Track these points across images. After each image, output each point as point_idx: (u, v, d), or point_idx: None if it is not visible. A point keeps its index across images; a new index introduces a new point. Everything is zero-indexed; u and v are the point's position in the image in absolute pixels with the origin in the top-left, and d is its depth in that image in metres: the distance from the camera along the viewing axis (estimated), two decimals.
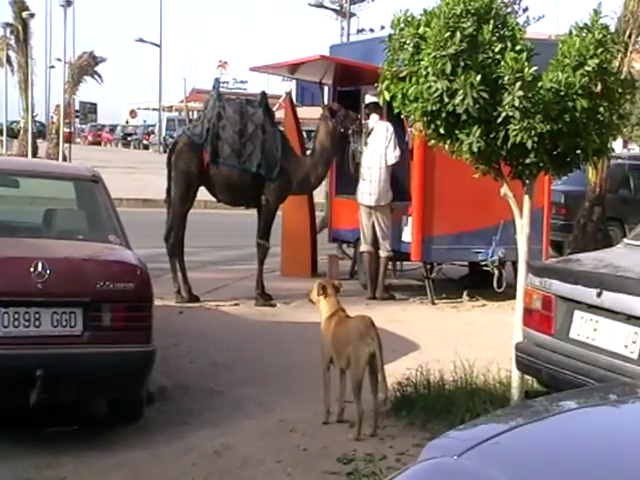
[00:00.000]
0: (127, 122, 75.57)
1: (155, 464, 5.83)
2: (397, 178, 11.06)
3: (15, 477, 5.61)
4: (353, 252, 12.21)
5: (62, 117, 38.13)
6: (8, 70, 48.87)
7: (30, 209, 8.98)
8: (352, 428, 6.16)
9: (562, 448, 1.92)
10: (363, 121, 11.07)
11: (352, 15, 40.11)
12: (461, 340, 8.92)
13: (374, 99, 9.98)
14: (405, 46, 6.45)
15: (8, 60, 47.76)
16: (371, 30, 34.32)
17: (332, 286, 6.50)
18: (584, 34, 6.41)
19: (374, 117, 10.98)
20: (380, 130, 10.91)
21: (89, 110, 63.81)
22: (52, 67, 49.68)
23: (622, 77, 6.90)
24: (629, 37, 11.46)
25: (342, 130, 10.72)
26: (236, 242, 14.75)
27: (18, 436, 6.44)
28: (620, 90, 6.49)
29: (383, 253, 11.06)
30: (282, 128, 11.77)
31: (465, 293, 11.47)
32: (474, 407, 6.35)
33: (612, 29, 6.98)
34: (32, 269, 5.93)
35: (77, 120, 58.46)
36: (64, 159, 29.06)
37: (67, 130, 41.04)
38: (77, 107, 56.48)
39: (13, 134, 46.59)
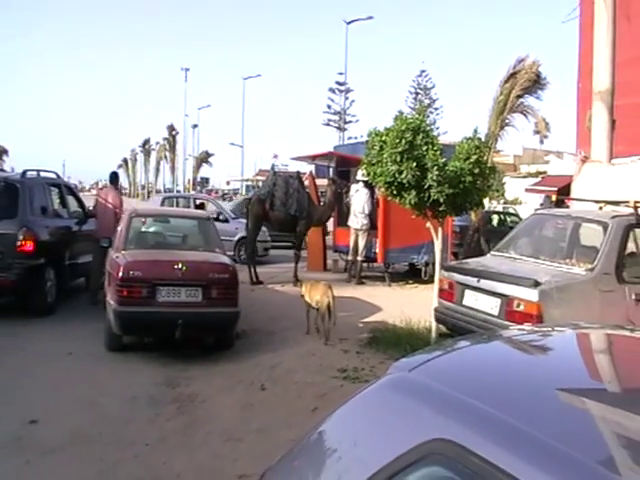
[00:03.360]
0: (225, 187, 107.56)
1: (240, 371, 8.61)
2: (370, 216, 15.54)
3: (166, 375, 8.43)
4: (346, 258, 16.88)
5: (191, 186, 66.88)
6: (164, 162, 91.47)
7: (175, 234, 11.28)
8: (332, 347, 9.65)
9: (471, 366, 2.31)
10: (352, 186, 15.62)
11: (345, 129, 61.78)
12: (404, 305, 11.94)
13: (360, 174, 14.25)
14: (375, 146, 9.30)
15: (165, 157, 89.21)
16: (355, 137, 45.14)
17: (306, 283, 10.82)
18: (469, 142, 9.40)
19: (360, 184, 15.55)
20: (362, 192, 15.59)
21: (205, 181, 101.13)
22: (186, 159, 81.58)
23: (489, 165, 9.86)
24: (491, 144, 16.80)
25: (339, 191, 15.53)
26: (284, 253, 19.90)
27: (170, 354, 9.27)
28: (487, 172, 9.53)
29: (360, 258, 15.79)
30: (308, 190, 16.31)
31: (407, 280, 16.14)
32: (412, 342, 9.20)
33: (483, 139, 10.00)
34: (176, 266, 9.05)
35: (198, 187, 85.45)
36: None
37: (194, 192, 61.71)
38: (199, 180, 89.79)
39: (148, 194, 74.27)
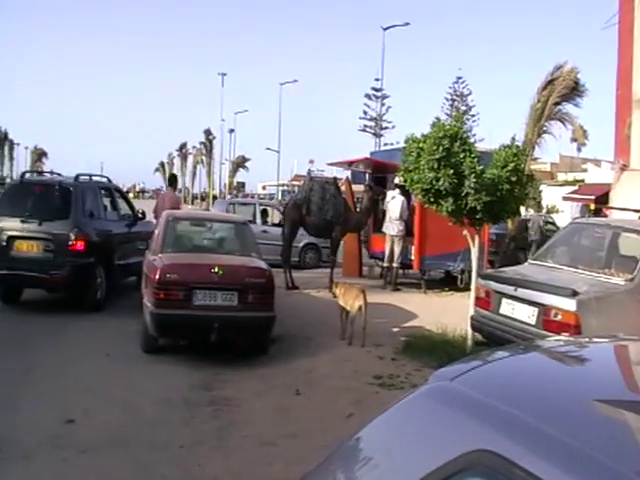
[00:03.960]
0: (261, 192, 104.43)
1: (274, 375, 8.65)
2: (406, 223, 15.57)
3: (201, 378, 8.45)
4: (381, 264, 16.88)
5: (227, 190, 68.30)
6: (201, 166, 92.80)
7: (211, 238, 11.27)
8: (368, 353, 9.65)
9: (510, 376, 2.30)
10: (388, 192, 15.64)
11: (381, 135, 63.16)
12: (440, 312, 11.93)
13: (396, 180, 14.35)
14: (412, 153, 9.34)
15: (202, 161, 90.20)
16: (391, 144, 45.34)
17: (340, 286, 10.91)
18: (507, 149, 9.38)
19: (397, 191, 15.59)
20: (399, 198, 15.57)
21: (241, 186, 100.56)
22: (223, 163, 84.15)
23: (526, 173, 9.75)
24: (528, 152, 16.44)
25: (375, 198, 15.55)
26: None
27: (206, 357, 9.33)
28: (525, 180, 9.47)
29: (396, 264, 15.78)
30: (344, 196, 16.32)
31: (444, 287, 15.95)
32: (447, 349, 9.16)
33: (520, 147, 9.96)
34: (213, 270, 9.12)
35: (235, 191, 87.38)
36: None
37: (229, 197, 63.07)
38: (235, 184, 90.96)
39: (202, 198, 77.36)
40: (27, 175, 13.90)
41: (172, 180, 16.53)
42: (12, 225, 11.76)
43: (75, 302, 12.24)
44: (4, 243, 11.70)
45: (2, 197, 13.03)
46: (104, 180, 14.53)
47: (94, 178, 13.92)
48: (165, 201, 14.43)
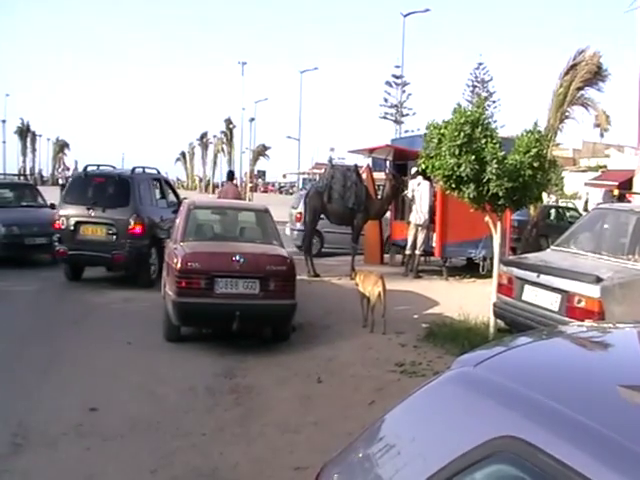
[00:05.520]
0: (281, 180, 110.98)
1: (296, 363, 8.68)
2: (431, 209, 15.39)
3: (223, 366, 8.51)
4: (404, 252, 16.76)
5: (248, 178, 68.67)
6: (221, 155, 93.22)
7: (233, 226, 11.40)
8: (389, 340, 9.60)
9: (534, 362, 2.27)
10: (409, 180, 15.61)
11: (402, 122, 61.90)
12: (462, 300, 11.88)
13: (413, 169, 14.61)
14: (433, 139, 9.24)
15: (222, 150, 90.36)
16: (412, 130, 45.09)
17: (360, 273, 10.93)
18: (529, 135, 9.21)
19: (420, 178, 15.34)
20: (424, 184, 15.39)
21: (262, 174, 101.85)
22: (243, 152, 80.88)
23: (548, 159, 9.61)
24: (551, 137, 15.99)
25: (397, 185, 15.46)
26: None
27: (227, 345, 9.39)
28: (547, 165, 9.33)
29: (418, 252, 15.77)
30: (365, 183, 16.22)
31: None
32: (469, 337, 9.11)
33: (543, 132, 9.78)
34: (234, 258, 9.13)
35: (255, 180, 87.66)
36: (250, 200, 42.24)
37: (250, 185, 64.31)
38: (256, 173, 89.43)
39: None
40: (89, 168, 15.23)
41: (230, 175, 18.72)
42: (79, 212, 13.65)
43: (131, 280, 13.83)
44: (72, 228, 13.58)
45: (68, 188, 14.99)
46: (154, 172, 16.04)
47: (147, 170, 15.49)
48: (228, 193, 16.50)
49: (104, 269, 14.88)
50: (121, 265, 13.96)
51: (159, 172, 16.78)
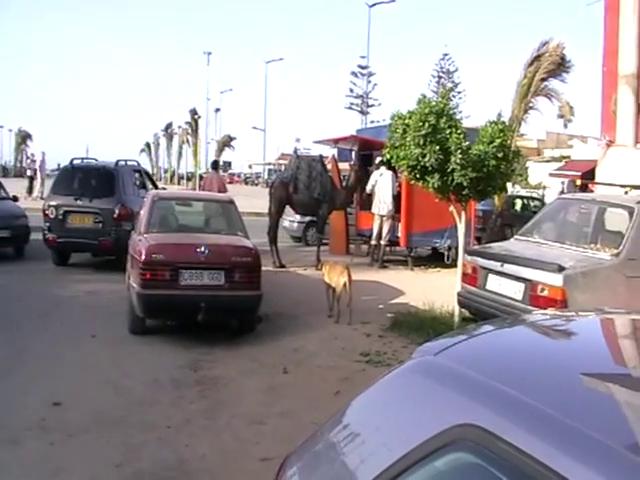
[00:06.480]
0: (247, 171, 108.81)
1: (262, 354, 8.68)
2: (395, 199, 15.51)
3: (189, 358, 8.44)
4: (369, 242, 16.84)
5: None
6: (186, 146, 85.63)
7: (197, 217, 11.44)
8: (355, 330, 9.71)
9: (495, 350, 2.30)
10: (374, 172, 15.65)
11: (367, 113, 63.66)
12: (427, 289, 12.00)
13: (378, 159, 14.55)
14: (398, 130, 9.31)
15: (187, 141, 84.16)
16: (377, 121, 45.41)
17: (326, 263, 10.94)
18: (493, 125, 9.37)
19: (383, 169, 15.47)
20: (387, 175, 15.50)
21: (227, 165, 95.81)
22: (208, 143, 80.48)
23: (512, 149, 9.73)
24: (515, 128, 16.52)
25: (361, 175, 15.57)
26: None
27: (193, 337, 9.29)
28: (511, 156, 9.46)
29: (383, 242, 15.84)
30: (330, 173, 16.32)
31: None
32: (434, 326, 9.16)
33: (507, 123, 9.96)
34: (199, 249, 9.03)
35: (221, 170, 76.02)
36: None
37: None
38: (221, 163, 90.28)
39: (188, 178, 75.70)
40: (75, 161, 15.99)
41: (215, 164, 19.76)
42: (67, 202, 14.63)
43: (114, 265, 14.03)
44: (60, 217, 14.55)
45: (56, 179, 16.03)
46: (135, 164, 17.26)
47: (129, 163, 16.64)
48: (212, 182, 17.11)
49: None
50: (107, 251, 14.83)
51: (139, 164, 17.87)
